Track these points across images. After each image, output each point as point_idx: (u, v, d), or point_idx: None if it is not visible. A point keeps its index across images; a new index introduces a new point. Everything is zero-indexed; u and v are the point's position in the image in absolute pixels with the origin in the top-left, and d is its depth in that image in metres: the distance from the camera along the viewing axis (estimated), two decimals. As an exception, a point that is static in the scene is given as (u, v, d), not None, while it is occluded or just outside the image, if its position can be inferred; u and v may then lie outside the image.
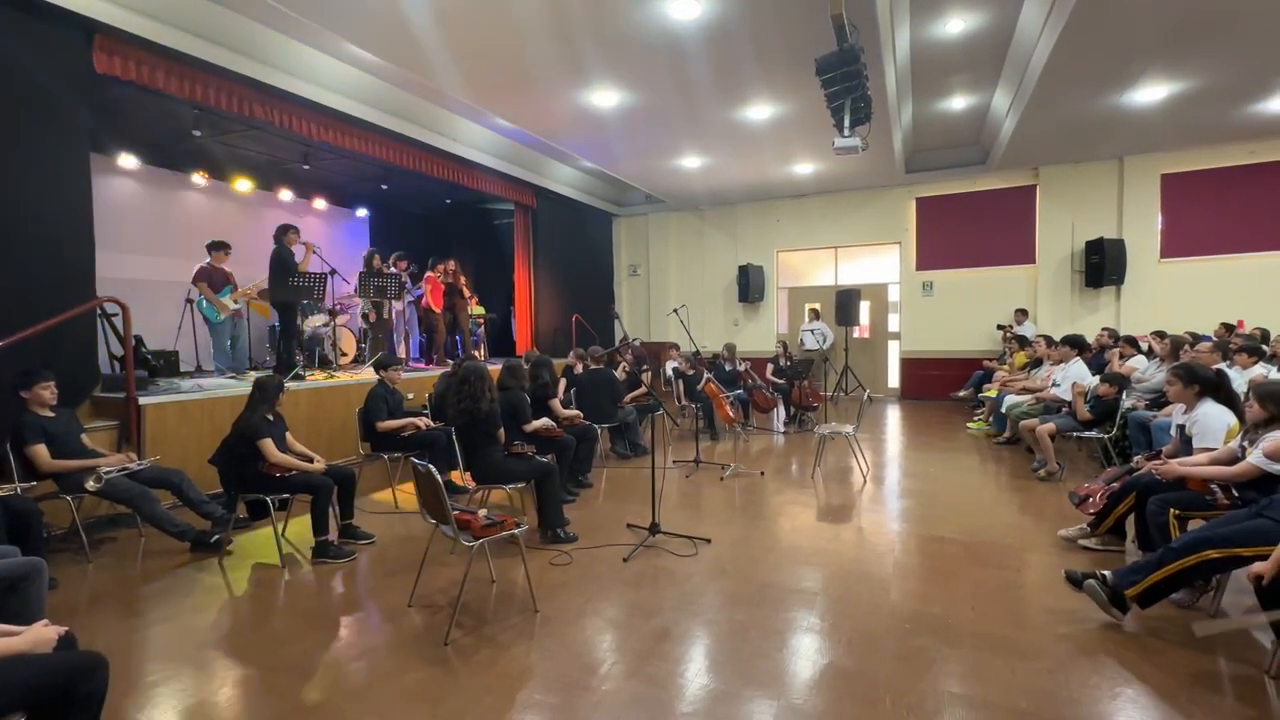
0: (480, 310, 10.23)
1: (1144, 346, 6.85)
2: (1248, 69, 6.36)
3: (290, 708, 2.44)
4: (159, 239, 8.36)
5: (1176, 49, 5.89)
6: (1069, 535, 3.99)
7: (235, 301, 6.93)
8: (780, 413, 8.48)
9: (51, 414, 3.96)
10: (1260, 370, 5.00)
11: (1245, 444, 3.17)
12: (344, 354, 8.73)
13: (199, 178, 8.64)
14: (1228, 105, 7.39)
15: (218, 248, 6.87)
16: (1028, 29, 6.06)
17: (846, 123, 5.41)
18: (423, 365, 8.53)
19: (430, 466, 2.95)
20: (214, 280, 6.78)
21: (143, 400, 4.90)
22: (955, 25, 6.22)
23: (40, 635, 1.88)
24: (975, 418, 8.41)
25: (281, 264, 6.67)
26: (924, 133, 9.68)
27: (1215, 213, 9.22)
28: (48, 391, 3.93)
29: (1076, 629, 2.91)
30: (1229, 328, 7.15)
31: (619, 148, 8.83)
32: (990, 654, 2.72)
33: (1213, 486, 3.17)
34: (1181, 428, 3.70)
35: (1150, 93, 6.92)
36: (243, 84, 5.87)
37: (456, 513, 3.04)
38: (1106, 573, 2.99)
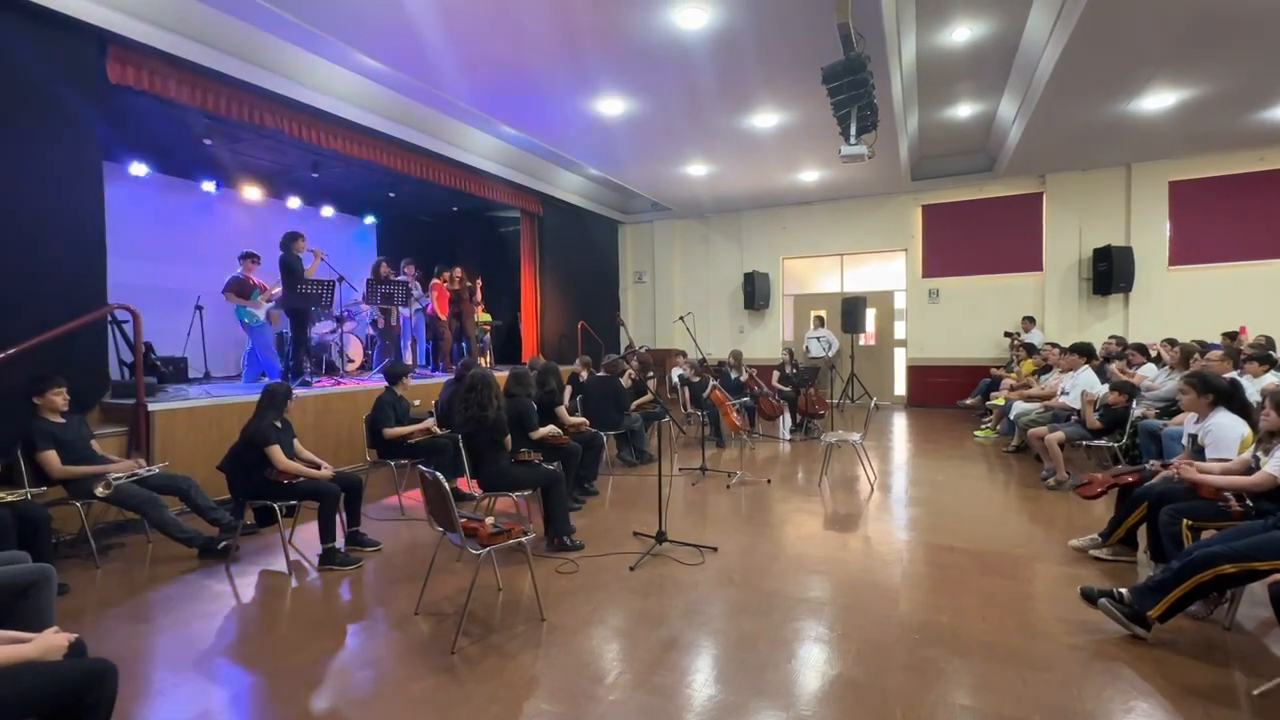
0: (486, 318, 10.25)
1: (1153, 354, 6.81)
2: (1256, 75, 6.34)
3: (297, 715, 2.43)
4: (169, 246, 8.43)
5: (1184, 56, 5.88)
6: (1080, 545, 3.95)
7: (268, 301, 7.00)
8: (786, 420, 8.45)
9: (62, 420, 3.98)
10: (1272, 378, 4.96)
11: (1259, 454, 3.14)
12: (351, 360, 8.76)
13: (209, 185, 8.72)
14: (1236, 112, 7.36)
15: (247, 257, 6.96)
16: (1034, 36, 6.06)
17: (853, 130, 5.41)
18: (429, 372, 8.56)
19: (438, 474, 2.95)
20: (243, 290, 6.86)
21: (152, 407, 4.93)
22: (961, 33, 6.22)
23: (50, 643, 1.88)
24: (983, 425, 8.36)
25: (289, 271, 6.71)
26: (930, 140, 9.68)
27: (1224, 220, 9.18)
28: (60, 397, 3.96)
29: (1089, 640, 2.88)
30: (1231, 336, 7.11)
31: (625, 155, 8.87)
32: (1001, 665, 2.69)
33: (1226, 494, 3.14)
34: (1194, 437, 3.67)
35: (1158, 99, 6.90)
36: (253, 93, 5.92)
37: (463, 520, 3.04)
38: (1123, 590, 2.95)
